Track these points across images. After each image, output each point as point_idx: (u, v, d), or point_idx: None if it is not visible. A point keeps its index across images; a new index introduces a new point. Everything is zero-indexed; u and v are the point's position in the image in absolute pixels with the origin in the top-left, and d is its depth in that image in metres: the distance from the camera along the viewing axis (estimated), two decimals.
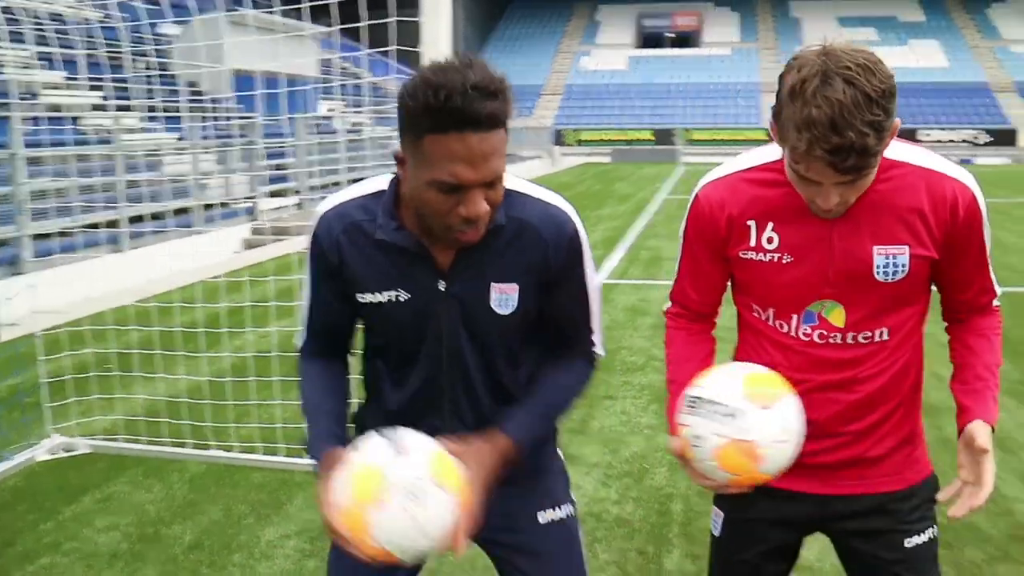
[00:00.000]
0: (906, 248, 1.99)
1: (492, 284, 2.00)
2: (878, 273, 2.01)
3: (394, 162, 1.92)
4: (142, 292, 7.78)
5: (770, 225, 2.06)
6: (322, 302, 2.13)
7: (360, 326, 2.19)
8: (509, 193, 1.96)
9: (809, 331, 2.10)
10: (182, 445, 5.28)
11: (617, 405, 6.23)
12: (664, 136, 48.74)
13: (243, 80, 16.88)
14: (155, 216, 11.97)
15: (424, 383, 2.09)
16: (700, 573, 3.94)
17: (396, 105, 1.83)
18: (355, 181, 2.15)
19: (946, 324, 2.22)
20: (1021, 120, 50.32)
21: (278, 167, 16.44)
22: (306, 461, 4.89)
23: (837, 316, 2.07)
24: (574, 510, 2.31)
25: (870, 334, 2.07)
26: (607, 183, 28.51)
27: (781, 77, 1.90)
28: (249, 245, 13.35)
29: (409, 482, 1.74)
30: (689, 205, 2.20)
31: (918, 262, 2.01)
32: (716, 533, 2.36)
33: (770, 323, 2.15)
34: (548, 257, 2.01)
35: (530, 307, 2.05)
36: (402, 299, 2.01)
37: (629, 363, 7.29)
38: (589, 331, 2.17)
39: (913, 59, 56.54)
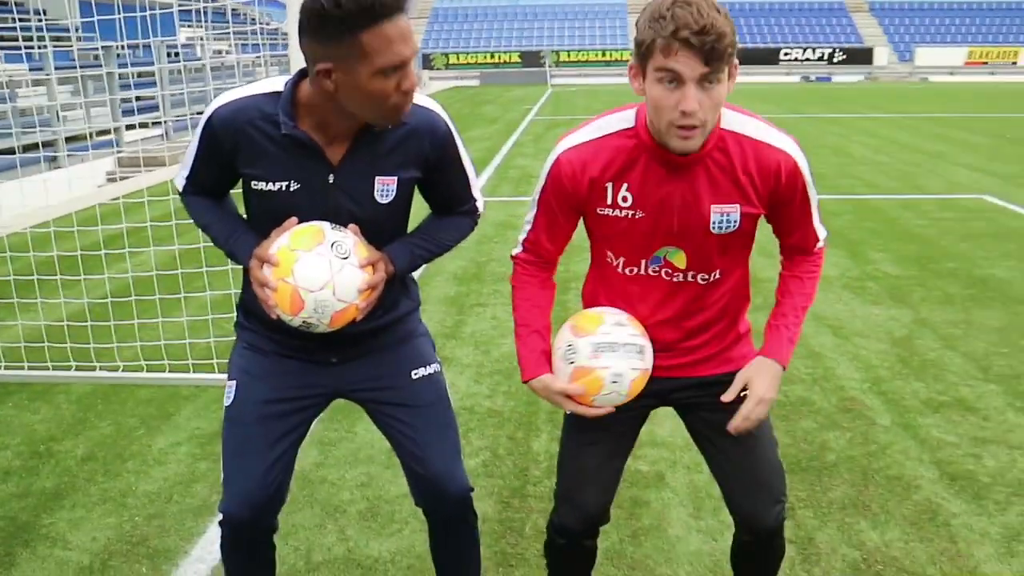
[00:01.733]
0: (737, 207, 2.33)
1: (376, 177, 2.32)
2: (713, 227, 2.35)
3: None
4: (8, 227, 7.72)
5: (625, 186, 2.34)
6: (206, 172, 2.41)
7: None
8: None
9: (656, 270, 2.45)
10: (67, 369, 5.38)
11: (488, 311, 6.58)
12: (532, 58, 48.81)
13: (96, 6, 16.32)
14: (6, 151, 11.62)
15: None
16: None
17: (305, 19, 2.05)
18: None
19: (781, 256, 2.59)
20: (875, 39, 52.05)
21: (138, 97, 16.06)
22: (191, 376, 5.08)
23: (679, 259, 2.42)
24: (440, 367, 2.66)
25: (707, 276, 2.45)
26: (476, 106, 28.61)
27: (637, 23, 2.19)
28: (113, 177, 13.12)
29: (342, 243, 2.21)
30: (549, 166, 2.40)
31: (747, 218, 2.35)
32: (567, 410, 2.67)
33: (620, 269, 2.48)
34: (426, 152, 2.36)
35: (406, 196, 2.39)
36: (292, 188, 2.28)
37: (498, 273, 7.63)
38: (471, 197, 2.57)
39: None
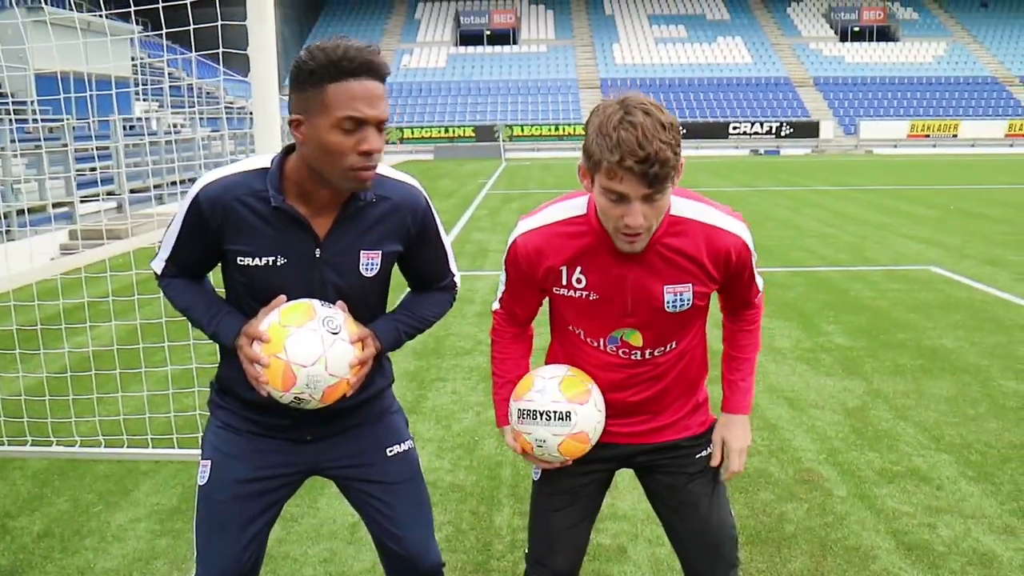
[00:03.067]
0: (690, 286, 2.45)
1: (361, 251, 2.38)
2: (668, 306, 2.45)
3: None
4: None
5: (578, 268, 2.45)
6: (188, 252, 2.42)
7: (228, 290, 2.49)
8: (377, 176, 2.33)
9: (614, 350, 2.55)
10: (23, 444, 5.30)
11: (448, 386, 6.60)
12: (486, 133, 49.37)
13: (49, 81, 16.30)
14: None
15: None
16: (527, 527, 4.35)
17: (291, 75, 2.17)
18: (179, 183, 2.48)
19: (723, 314, 2.74)
20: (820, 113, 53.33)
21: (92, 169, 16.00)
22: (150, 451, 5.03)
23: (636, 339, 2.53)
24: (413, 444, 2.71)
25: (663, 348, 2.56)
26: (431, 180, 28.79)
27: (586, 125, 2.29)
28: (67, 250, 13.02)
29: (333, 318, 2.25)
30: (508, 248, 2.56)
31: (699, 296, 2.48)
32: (535, 477, 2.76)
33: (582, 338, 2.59)
34: (408, 227, 2.44)
35: (388, 269, 2.46)
36: (280, 263, 2.32)
37: (458, 348, 7.68)
38: (449, 272, 2.65)
39: (720, 56, 59.18)
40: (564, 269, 2.46)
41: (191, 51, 5.38)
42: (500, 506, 4.60)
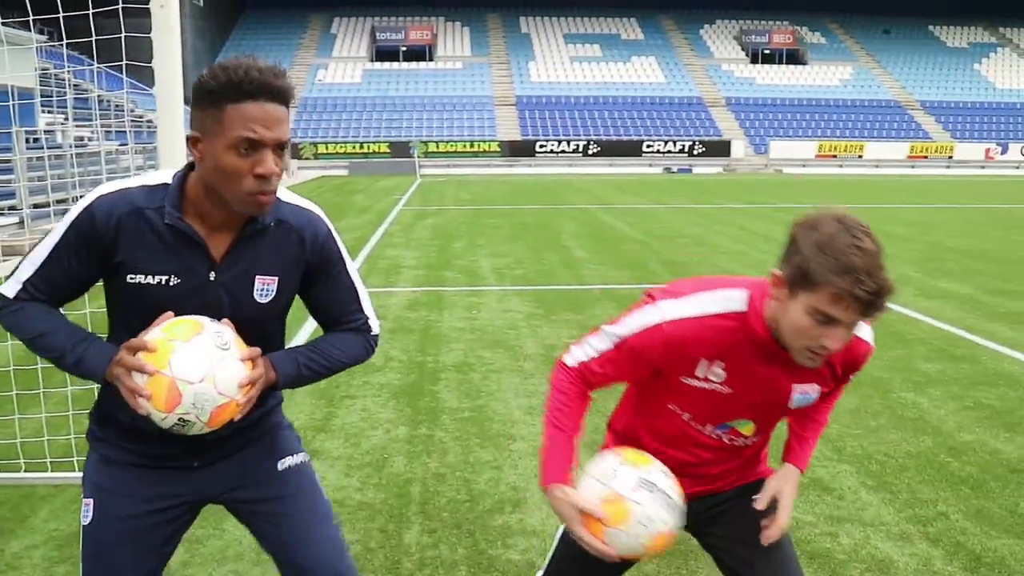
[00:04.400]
0: (817, 386, 2.47)
1: (256, 276, 2.29)
2: (792, 404, 2.47)
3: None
4: None
5: (721, 363, 2.36)
6: (58, 270, 2.24)
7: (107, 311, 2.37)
8: (276, 200, 2.27)
9: (718, 436, 2.55)
10: None
11: (358, 403, 6.54)
12: (400, 149, 49.22)
13: None
14: None
15: None
16: (436, 544, 4.33)
17: (193, 94, 2.12)
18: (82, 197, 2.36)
19: None
20: (732, 132, 54.37)
21: None
22: (48, 475, 4.90)
23: (747, 428, 2.54)
24: (307, 458, 2.62)
25: (764, 435, 2.62)
26: (345, 195, 28.63)
27: (794, 235, 2.23)
28: None
29: (222, 333, 2.14)
30: (648, 326, 2.37)
31: (823, 395, 2.52)
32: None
33: (685, 420, 2.53)
34: (306, 253, 2.34)
35: (286, 297, 2.36)
36: (172, 283, 2.21)
37: (368, 364, 7.56)
38: (360, 312, 2.49)
39: (635, 75, 59.97)
40: (705, 362, 2.37)
41: (95, 62, 5.27)
42: (409, 524, 4.57)
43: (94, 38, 4.94)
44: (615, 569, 2.64)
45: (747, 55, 64.25)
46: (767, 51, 64.47)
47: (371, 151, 49.78)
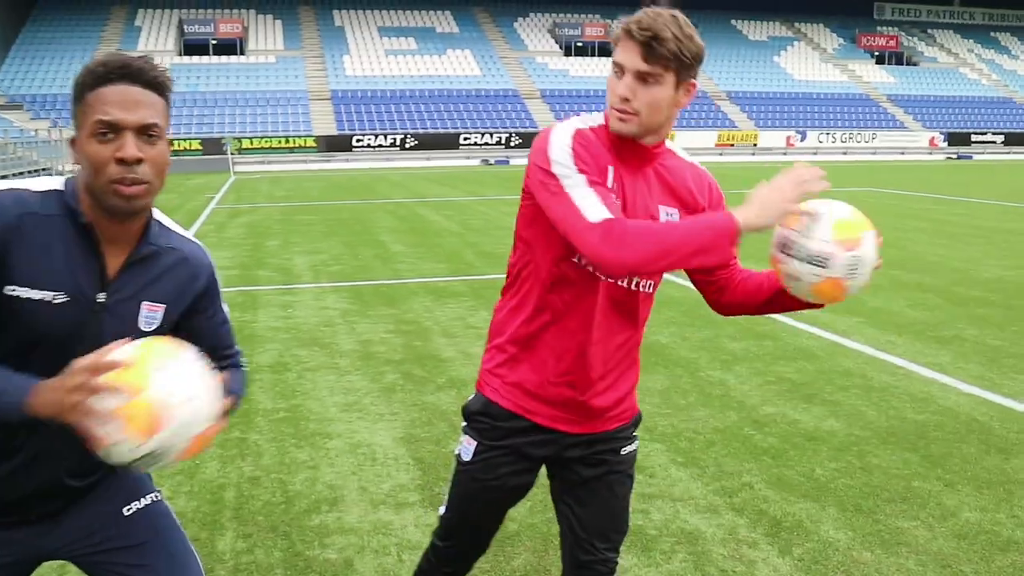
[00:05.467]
0: (677, 210, 2.53)
1: (143, 302, 2.12)
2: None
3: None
4: None
5: (612, 169, 2.42)
6: None
7: None
8: (163, 226, 2.17)
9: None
10: None
11: None
12: (213, 145, 47.82)
13: None
14: None
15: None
16: (252, 548, 4.24)
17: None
18: None
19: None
20: (548, 123, 55.10)
21: None
22: None
23: None
24: (159, 495, 2.40)
25: (646, 285, 2.62)
26: None
27: None
28: None
29: (196, 359, 1.95)
30: (570, 139, 2.41)
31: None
32: (466, 458, 2.69)
33: (576, 260, 2.48)
34: (196, 286, 2.23)
35: (167, 328, 2.17)
36: (59, 300, 2.01)
37: None
38: (235, 347, 2.40)
39: (450, 67, 60.10)
40: (610, 168, 2.42)
41: None
42: (223, 530, 4.44)
43: None
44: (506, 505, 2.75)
45: (560, 47, 65.38)
46: (580, 43, 65.78)
47: (182, 148, 48.14)
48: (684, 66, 2.32)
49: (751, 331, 8.45)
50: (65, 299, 2.01)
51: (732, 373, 7.09)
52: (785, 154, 53.80)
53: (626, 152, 2.43)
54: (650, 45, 2.25)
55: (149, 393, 1.82)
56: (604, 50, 65.51)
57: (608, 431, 2.66)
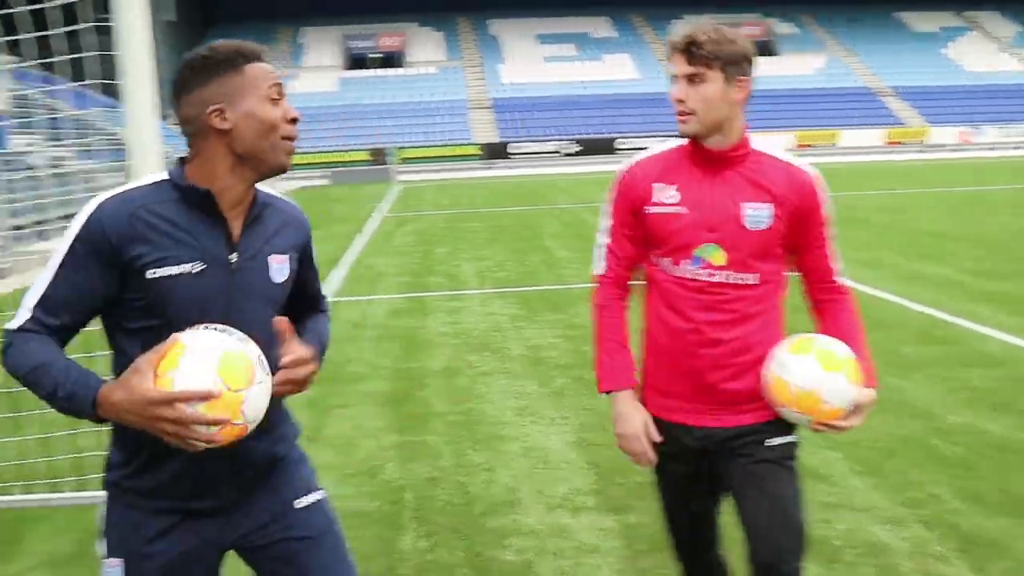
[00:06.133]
0: (768, 205, 2.67)
1: (269, 256, 2.30)
2: (746, 222, 2.65)
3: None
4: None
5: (672, 185, 2.72)
6: (69, 288, 2.13)
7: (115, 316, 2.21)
8: (264, 192, 2.35)
9: (695, 271, 2.70)
10: None
11: (348, 412, 6.55)
12: (378, 156, 49.11)
13: None
14: None
15: None
16: (433, 548, 4.35)
17: (178, 81, 2.22)
18: (67, 217, 2.30)
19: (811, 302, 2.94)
20: None
21: None
22: (41, 496, 4.89)
23: (718, 257, 2.68)
24: (325, 494, 2.51)
25: (743, 276, 2.70)
26: (327, 204, 28.57)
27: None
28: None
29: (262, 358, 2.08)
30: (615, 179, 2.87)
31: (778, 219, 2.68)
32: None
33: (664, 268, 2.75)
34: (302, 236, 2.43)
35: (292, 278, 2.38)
36: (196, 270, 2.15)
37: (356, 373, 7.63)
38: (322, 293, 2.63)
39: (608, 72, 60.04)
40: (660, 185, 2.74)
41: (68, 81, 5.25)
42: (404, 530, 4.58)
43: (69, 56, 4.91)
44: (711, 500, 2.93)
45: None
46: None
47: (349, 160, 49.64)
48: (727, 63, 2.59)
49: (928, 335, 8.15)
50: (203, 267, 2.17)
51: (909, 380, 6.85)
52: (957, 150, 51.39)
53: (701, 160, 2.71)
54: (690, 49, 2.58)
55: (243, 420, 2.00)
56: (764, 49, 64.13)
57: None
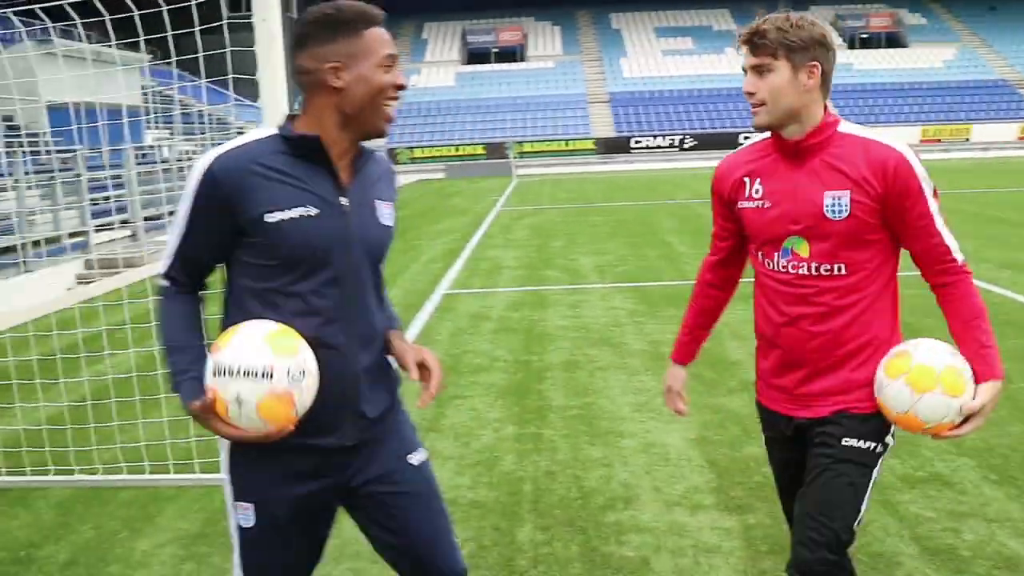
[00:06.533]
0: (848, 192, 2.60)
1: (375, 200, 2.45)
2: (826, 210, 2.61)
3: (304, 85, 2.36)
4: None
5: (758, 179, 2.75)
6: (199, 237, 2.34)
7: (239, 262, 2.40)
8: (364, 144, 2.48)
9: (785, 264, 2.72)
10: (45, 473, 5.33)
11: (466, 403, 6.61)
12: (496, 150, 49.39)
13: (61, 112, 16.40)
14: None
15: (330, 300, 2.35)
16: (550, 541, 4.35)
17: (305, 33, 2.33)
18: None
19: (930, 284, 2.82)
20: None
21: (106, 199, 16.08)
22: (172, 476, 5.06)
23: (803, 248, 2.68)
24: (427, 454, 2.71)
25: (830, 267, 2.67)
26: (444, 198, 28.89)
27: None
28: (84, 280, 13.11)
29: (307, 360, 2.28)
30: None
31: (859, 207, 2.60)
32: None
33: (760, 261, 2.81)
34: (395, 193, 2.57)
35: (395, 224, 2.53)
36: (311, 214, 2.30)
37: (475, 364, 7.69)
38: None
39: (728, 66, 59.01)
40: (747, 180, 2.77)
41: (200, 78, 5.41)
42: (522, 522, 4.60)
43: (201, 54, 5.06)
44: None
45: (844, 40, 62.70)
46: (865, 35, 62.90)
47: (467, 153, 50.05)
48: (793, 50, 2.56)
49: None
50: (316, 211, 2.31)
51: None
52: None
53: (782, 151, 2.69)
54: (753, 41, 2.59)
55: (293, 412, 2.23)
56: (893, 41, 62.27)
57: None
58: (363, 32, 2.31)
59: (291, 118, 2.40)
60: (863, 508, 2.67)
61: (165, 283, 2.41)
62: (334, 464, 2.45)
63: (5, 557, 4.43)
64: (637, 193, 27.65)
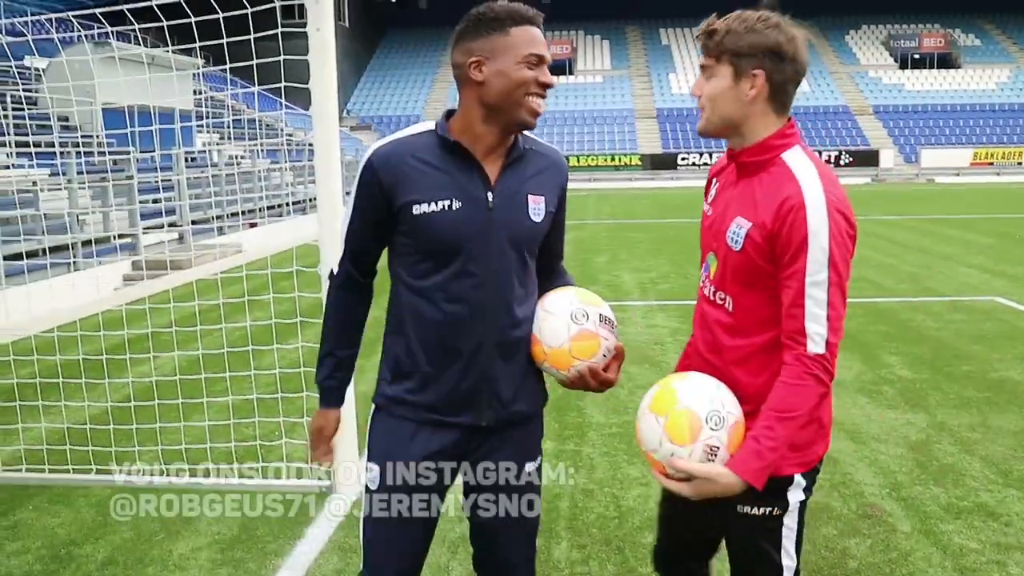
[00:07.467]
0: (747, 221, 2.40)
1: (528, 195, 2.53)
2: (728, 234, 2.45)
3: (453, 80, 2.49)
4: (26, 330, 7.81)
5: (716, 185, 2.65)
6: (364, 226, 2.54)
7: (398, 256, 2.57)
8: (526, 136, 2.57)
9: (704, 278, 2.62)
10: (87, 472, 5.39)
11: None
12: None
13: (116, 115, 16.60)
14: (30, 254, 11.74)
15: (470, 290, 2.48)
16: (586, 560, 4.33)
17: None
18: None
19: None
20: (880, 141, 52.68)
21: (155, 201, 16.27)
22: (211, 480, 5.09)
23: (713, 266, 2.56)
24: (541, 459, 2.77)
25: (723, 295, 2.51)
26: None
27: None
28: (131, 280, 13.26)
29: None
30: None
31: (752, 245, 2.37)
32: None
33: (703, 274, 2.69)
34: (560, 185, 2.64)
35: (549, 218, 2.60)
36: (455, 207, 2.44)
37: None
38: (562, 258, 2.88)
39: None
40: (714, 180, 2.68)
41: (253, 85, 5.46)
42: (558, 539, 4.57)
43: (255, 61, 5.10)
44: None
45: (895, 60, 62.14)
46: (917, 55, 62.18)
47: None
48: (739, 55, 2.34)
49: None
50: (459, 204, 2.44)
51: None
52: None
53: (732, 161, 2.54)
54: (704, 41, 2.41)
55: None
56: (944, 61, 61.50)
57: None
58: (510, 29, 2.39)
59: (449, 113, 2.53)
60: (788, 563, 2.60)
61: (337, 270, 2.63)
62: (464, 444, 2.59)
63: (46, 554, 4.48)
64: (682, 210, 27.49)
